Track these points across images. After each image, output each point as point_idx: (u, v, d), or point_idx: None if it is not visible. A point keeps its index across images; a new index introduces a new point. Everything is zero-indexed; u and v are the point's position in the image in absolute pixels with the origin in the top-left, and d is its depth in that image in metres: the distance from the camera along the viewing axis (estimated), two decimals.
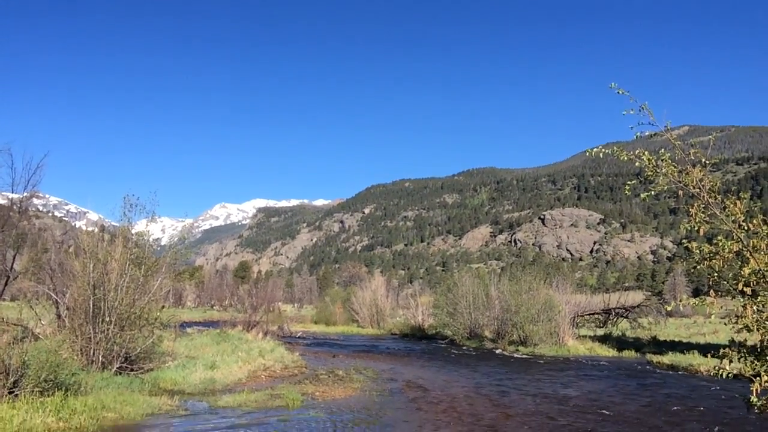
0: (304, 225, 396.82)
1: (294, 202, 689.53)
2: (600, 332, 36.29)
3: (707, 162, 5.95)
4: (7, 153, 18.87)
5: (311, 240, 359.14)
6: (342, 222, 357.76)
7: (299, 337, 40.51)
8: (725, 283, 5.82)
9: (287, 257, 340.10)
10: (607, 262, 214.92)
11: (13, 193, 19.76)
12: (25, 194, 20.14)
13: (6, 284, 19.86)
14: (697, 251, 5.98)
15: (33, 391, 10.70)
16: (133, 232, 18.65)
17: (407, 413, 12.80)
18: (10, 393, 10.51)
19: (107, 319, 15.50)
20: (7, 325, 18.37)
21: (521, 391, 16.46)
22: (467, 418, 12.31)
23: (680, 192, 5.93)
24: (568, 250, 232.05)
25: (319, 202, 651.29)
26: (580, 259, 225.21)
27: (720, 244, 5.74)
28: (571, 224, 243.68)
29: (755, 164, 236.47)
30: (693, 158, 5.91)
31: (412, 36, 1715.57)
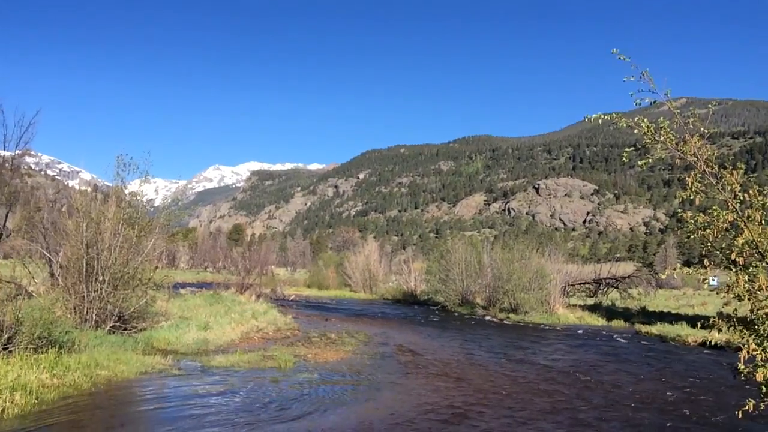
0: (299, 189, 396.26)
1: (288, 166, 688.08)
2: (590, 302, 36.62)
3: (705, 132, 5.92)
4: None
5: (305, 204, 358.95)
6: (336, 187, 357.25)
7: (292, 301, 40.75)
8: (718, 253, 5.85)
9: (281, 221, 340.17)
10: (600, 232, 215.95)
11: (4, 150, 19.55)
12: (17, 152, 19.93)
13: None
14: (692, 221, 5.99)
15: (27, 348, 10.75)
16: (126, 192, 18.56)
17: (398, 377, 12.95)
18: (4, 349, 10.56)
19: (100, 278, 15.52)
20: (1, 283, 18.40)
21: (510, 357, 16.66)
22: (456, 382, 12.48)
23: (677, 161, 5.91)
24: (561, 219, 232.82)
25: (314, 167, 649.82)
26: (573, 229, 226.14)
27: (715, 213, 5.75)
28: (565, 194, 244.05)
29: (751, 138, 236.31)
30: (691, 128, 5.88)
31: (411, 2, 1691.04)
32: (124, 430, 8.09)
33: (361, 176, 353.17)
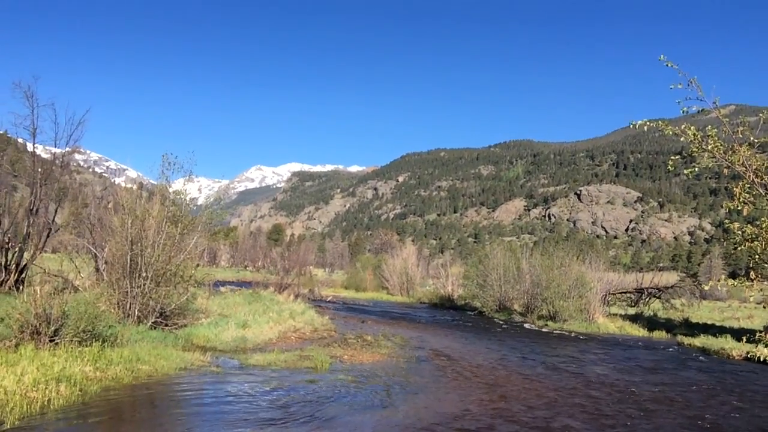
0: (338, 190, 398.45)
1: (329, 167, 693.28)
2: (631, 311, 35.93)
3: (755, 141, 5.75)
4: (51, 108, 19.21)
5: (344, 206, 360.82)
6: (376, 189, 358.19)
7: (329, 301, 40.97)
8: (766, 265, 5.69)
9: (320, 222, 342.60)
10: (643, 241, 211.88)
11: (55, 147, 20.20)
12: (67, 149, 20.57)
13: (48, 236, 20.42)
14: (739, 232, 5.84)
15: (72, 341, 11.07)
16: (170, 190, 18.95)
17: (433, 381, 12.91)
18: (51, 341, 10.89)
19: (144, 274, 15.87)
20: (49, 276, 18.97)
21: (547, 366, 16.45)
22: (490, 389, 12.37)
23: (725, 170, 5.75)
24: (603, 227, 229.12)
25: (354, 168, 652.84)
26: (615, 237, 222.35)
27: (763, 225, 5.58)
28: (608, 201, 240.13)
29: None
30: (740, 137, 5.72)
31: (452, 5, 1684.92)
32: (163, 424, 8.25)
33: (401, 179, 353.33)
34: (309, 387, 11.19)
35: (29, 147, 20.03)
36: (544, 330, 28.53)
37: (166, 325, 16.30)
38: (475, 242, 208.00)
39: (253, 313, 21.16)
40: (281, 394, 10.48)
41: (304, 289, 40.62)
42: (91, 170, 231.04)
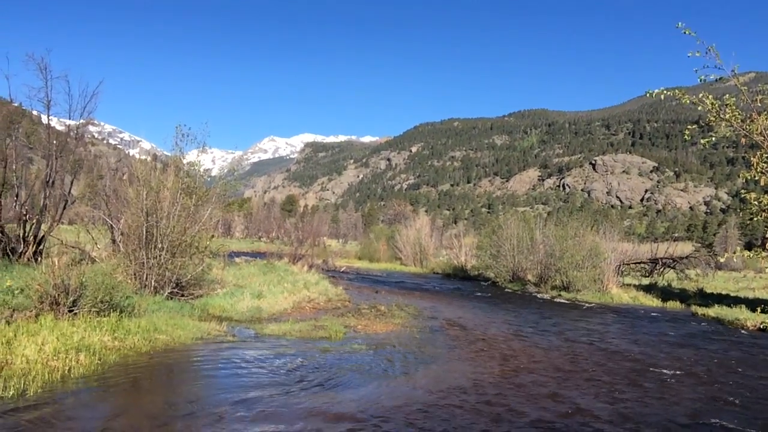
0: (351, 161, 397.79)
1: (342, 138, 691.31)
2: (645, 281, 35.83)
3: None
4: (64, 80, 19.20)
5: (358, 176, 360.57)
6: (389, 159, 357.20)
7: (343, 272, 41.17)
8: None
9: (333, 192, 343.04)
10: (658, 211, 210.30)
11: (70, 119, 20.25)
12: (81, 121, 20.61)
13: (64, 208, 20.59)
14: (755, 202, 5.77)
15: (90, 311, 11.24)
16: (184, 161, 19.00)
17: (446, 351, 13.01)
18: (69, 311, 11.06)
19: (159, 245, 16.02)
20: (66, 248, 19.20)
21: (561, 336, 16.50)
22: (504, 359, 12.45)
23: (743, 140, 5.66)
24: (618, 197, 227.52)
25: (367, 139, 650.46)
26: (630, 207, 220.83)
27: None
28: (623, 171, 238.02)
29: None
30: (759, 105, 5.60)
31: None
32: (180, 392, 8.40)
33: (414, 149, 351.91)
34: (323, 356, 11.32)
35: (44, 119, 20.08)
36: (557, 300, 28.58)
37: (183, 295, 16.50)
38: (488, 213, 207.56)
39: (268, 284, 21.35)
40: (295, 362, 10.61)
41: (318, 259, 40.84)
42: (105, 142, 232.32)
